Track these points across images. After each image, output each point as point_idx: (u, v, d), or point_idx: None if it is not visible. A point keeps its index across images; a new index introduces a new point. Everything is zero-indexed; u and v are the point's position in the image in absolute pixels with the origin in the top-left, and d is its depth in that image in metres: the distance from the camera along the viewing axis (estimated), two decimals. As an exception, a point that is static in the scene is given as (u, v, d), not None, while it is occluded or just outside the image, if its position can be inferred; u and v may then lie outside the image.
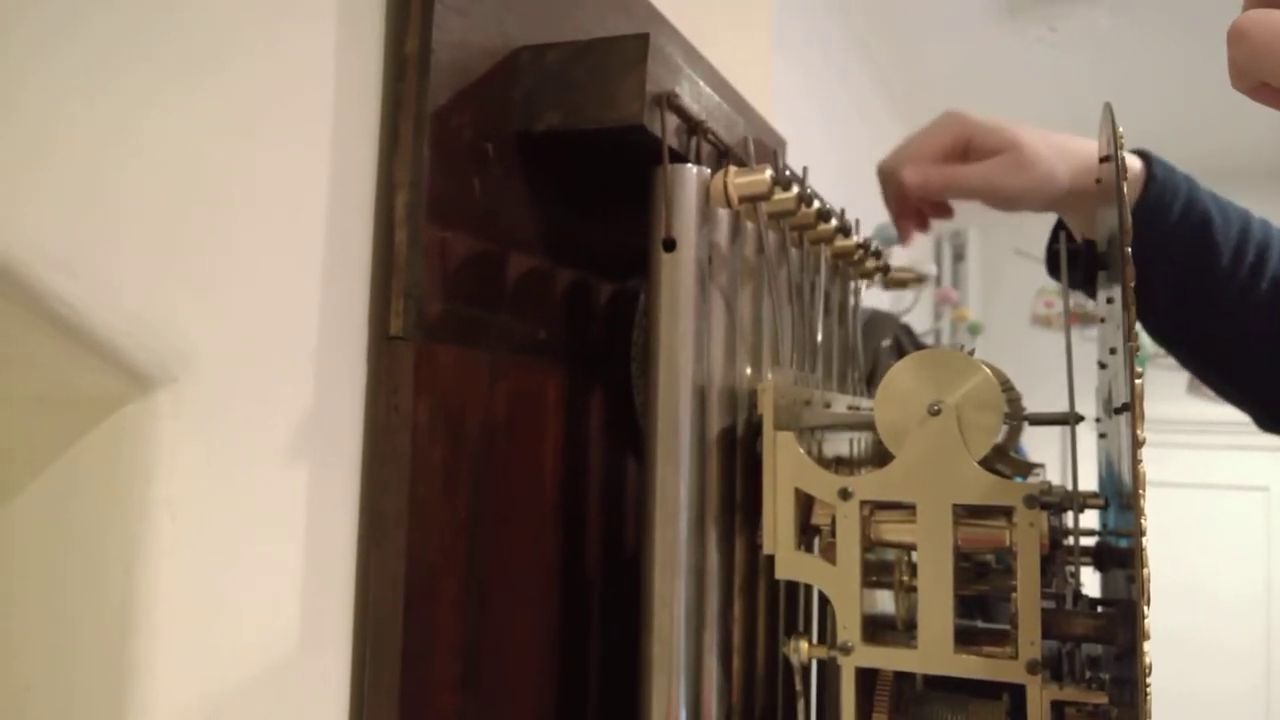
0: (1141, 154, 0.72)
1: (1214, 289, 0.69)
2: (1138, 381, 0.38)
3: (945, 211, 0.79)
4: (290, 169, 0.39)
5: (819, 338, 0.60)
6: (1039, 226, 0.77)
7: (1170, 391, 3.40)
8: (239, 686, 0.37)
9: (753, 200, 0.48)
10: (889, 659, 0.45)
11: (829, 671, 0.47)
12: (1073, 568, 0.51)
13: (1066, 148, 0.71)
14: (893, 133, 2.68)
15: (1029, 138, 0.70)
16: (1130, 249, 0.41)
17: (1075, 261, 0.64)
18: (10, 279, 0.29)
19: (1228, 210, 0.71)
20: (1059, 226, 0.78)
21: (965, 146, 0.73)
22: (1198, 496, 3.36)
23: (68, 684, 0.35)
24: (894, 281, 0.80)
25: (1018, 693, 0.44)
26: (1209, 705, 3.03)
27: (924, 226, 0.79)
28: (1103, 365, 0.56)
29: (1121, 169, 0.43)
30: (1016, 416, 0.54)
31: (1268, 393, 0.73)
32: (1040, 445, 1.96)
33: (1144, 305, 0.52)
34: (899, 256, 2.01)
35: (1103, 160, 0.53)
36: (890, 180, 0.76)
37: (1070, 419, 0.50)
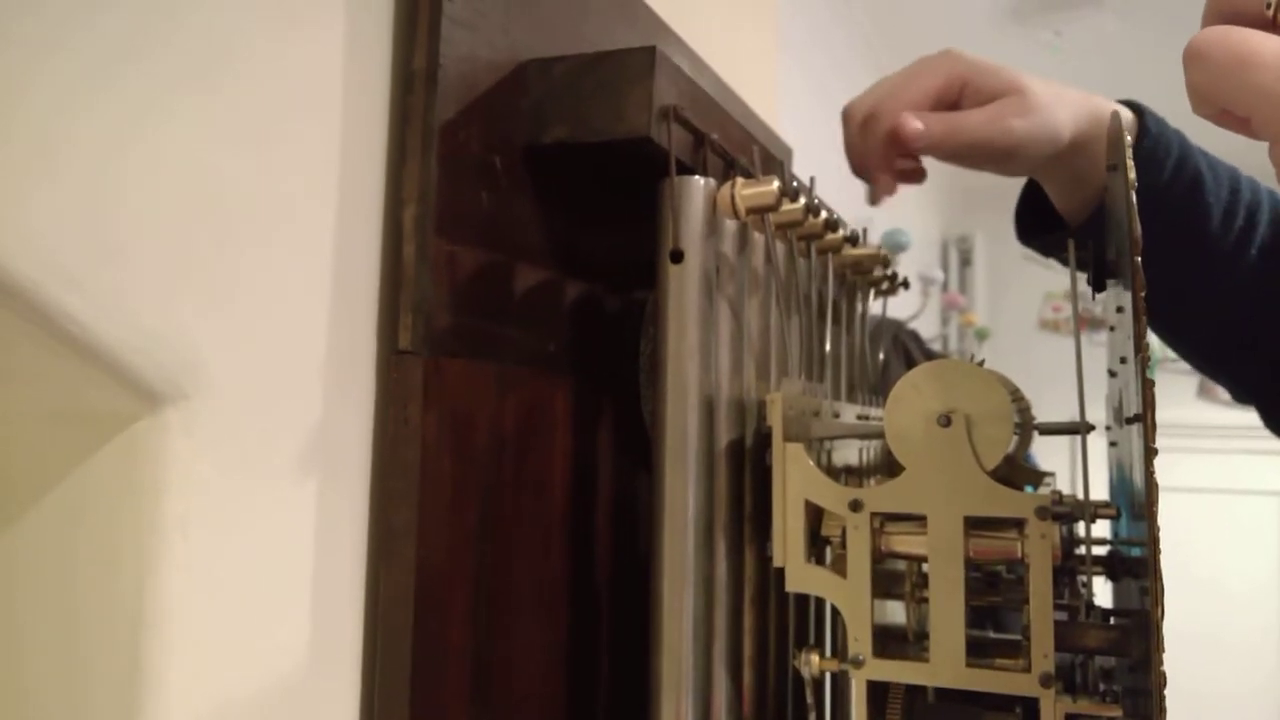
0: (1133, 105, 0.67)
1: (1202, 252, 0.65)
2: (1150, 392, 0.38)
3: (918, 175, 0.69)
4: (298, 183, 0.39)
5: (827, 347, 0.60)
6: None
7: (1181, 396, 3.39)
8: (251, 700, 0.37)
9: (760, 211, 0.48)
10: (900, 672, 0.45)
11: (840, 684, 0.46)
12: (1085, 578, 0.51)
13: (1064, 95, 0.65)
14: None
15: (1032, 81, 0.63)
16: (1139, 258, 0.41)
17: (1065, 247, 0.63)
18: (21, 296, 0.29)
19: (1218, 169, 0.67)
20: (1029, 188, 0.73)
21: (959, 90, 0.64)
22: (1209, 502, 3.34)
23: (82, 701, 0.35)
24: (884, 290, 0.75)
25: (1031, 705, 0.43)
26: (1221, 702, 3.01)
27: (893, 189, 0.69)
28: (1113, 373, 0.56)
29: (1129, 180, 0.42)
30: (1027, 426, 0.53)
31: (1244, 365, 0.70)
32: (1051, 452, 1.96)
33: None
34: (904, 260, 2.00)
35: (1110, 169, 0.52)
36: (867, 125, 0.65)
37: (1081, 429, 0.49)
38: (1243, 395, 0.74)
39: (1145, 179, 0.63)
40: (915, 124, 0.62)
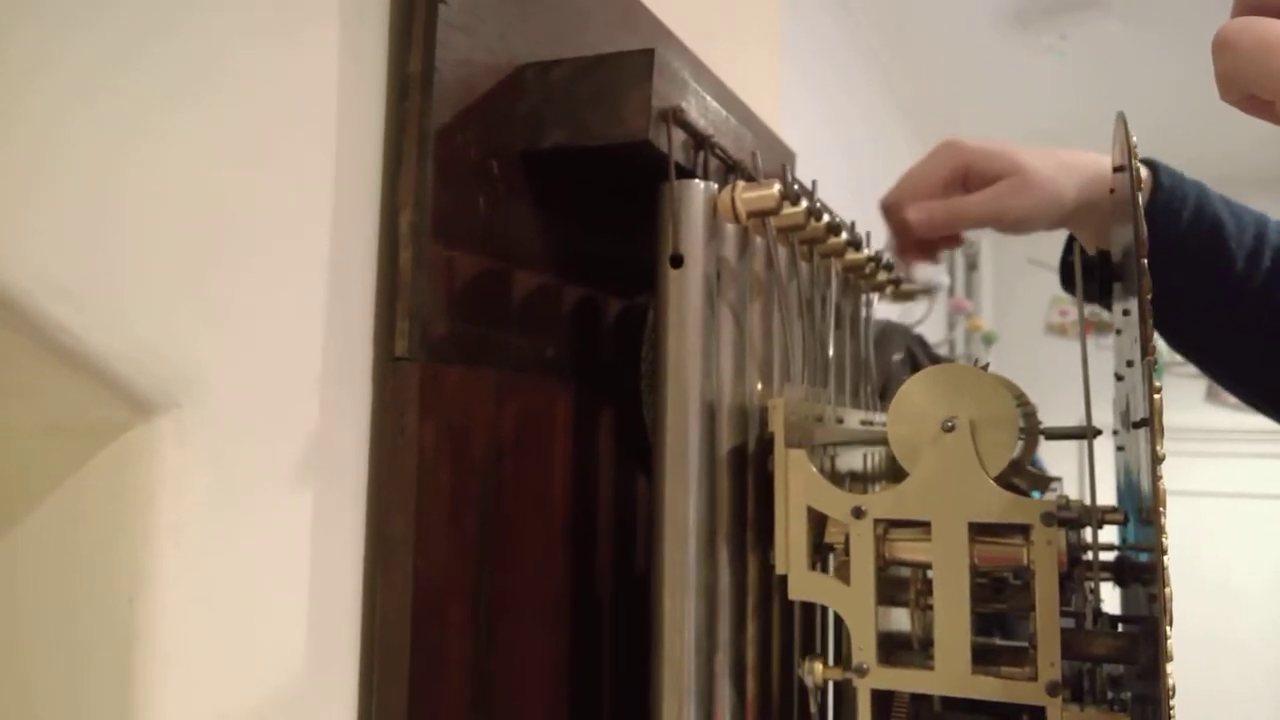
0: (1148, 163, 0.70)
1: (1229, 295, 0.67)
2: (1156, 397, 0.37)
3: (955, 241, 0.78)
4: (293, 190, 0.39)
5: (830, 352, 0.59)
6: (1052, 234, 0.76)
7: (1188, 400, 3.38)
8: (246, 714, 0.37)
9: (761, 215, 0.48)
10: (905, 680, 0.44)
11: (845, 693, 0.46)
12: (1092, 584, 0.51)
13: (1069, 163, 0.70)
14: (902, 143, 2.68)
15: (1030, 159, 0.69)
16: (1145, 260, 0.40)
17: (1090, 274, 0.63)
18: (12, 307, 0.29)
19: (1241, 215, 0.69)
20: (1072, 238, 0.76)
21: (965, 174, 0.71)
22: (1217, 506, 3.33)
23: (75, 710, 0.35)
24: (902, 295, 0.79)
25: (1038, 713, 0.43)
26: (1229, 705, 2.99)
27: (933, 258, 0.78)
28: (1119, 377, 0.55)
29: (1136, 180, 0.42)
30: (1032, 431, 0.53)
31: None
32: (1058, 457, 1.95)
33: (1159, 316, 0.51)
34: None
35: (1116, 170, 0.52)
36: (894, 215, 0.74)
37: (1088, 433, 0.49)
38: None
39: (1162, 229, 0.66)
40: (918, 215, 0.71)
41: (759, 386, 0.52)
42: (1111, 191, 0.60)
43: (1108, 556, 0.53)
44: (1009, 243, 3.57)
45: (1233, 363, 0.73)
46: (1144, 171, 0.69)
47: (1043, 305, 3.74)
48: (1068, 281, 0.76)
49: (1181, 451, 3.26)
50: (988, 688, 0.43)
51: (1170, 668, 0.36)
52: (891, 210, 0.74)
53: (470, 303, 0.45)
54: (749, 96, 0.83)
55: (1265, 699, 3.18)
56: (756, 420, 0.50)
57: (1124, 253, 0.48)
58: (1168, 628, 0.36)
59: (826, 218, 0.56)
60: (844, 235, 0.59)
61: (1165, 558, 0.36)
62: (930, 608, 0.44)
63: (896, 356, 1.07)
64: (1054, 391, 1.17)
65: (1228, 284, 0.67)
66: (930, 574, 0.44)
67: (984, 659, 0.44)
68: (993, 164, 0.70)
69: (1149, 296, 0.40)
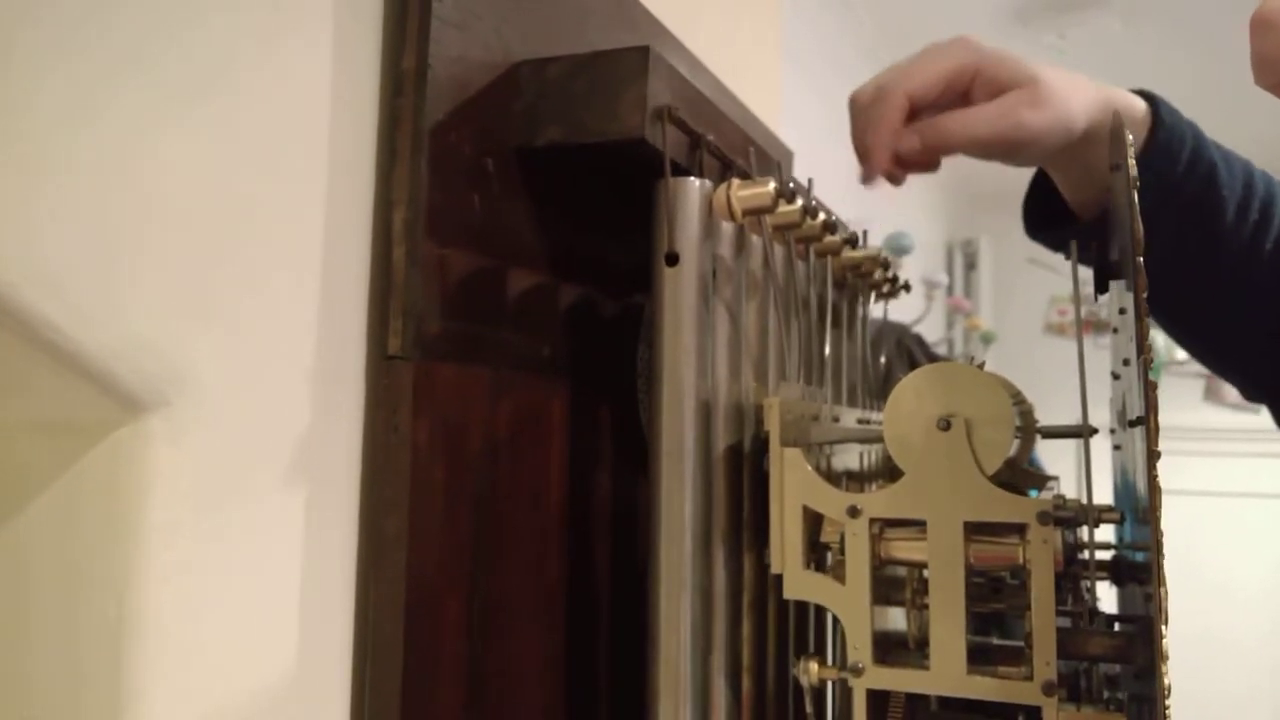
0: (1146, 95, 0.64)
1: (1216, 246, 0.63)
2: (1153, 394, 0.37)
3: (933, 165, 0.65)
4: (287, 187, 0.39)
5: (827, 351, 0.59)
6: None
7: (1186, 400, 3.38)
8: (237, 713, 0.36)
9: (757, 213, 0.48)
10: (901, 680, 0.44)
11: (841, 693, 0.46)
12: (1089, 583, 0.50)
13: (1078, 84, 0.62)
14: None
15: (1045, 71, 0.60)
16: (1141, 258, 0.40)
17: (1085, 246, 0.62)
18: (2, 305, 0.29)
19: (1232, 162, 0.65)
20: (1037, 180, 0.71)
21: (971, 78, 0.61)
22: (1214, 505, 3.33)
23: (67, 709, 0.35)
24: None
25: (1034, 713, 0.43)
26: (1227, 705, 2.99)
27: (900, 179, 0.65)
28: (1116, 376, 0.55)
29: (1131, 179, 0.42)
30: (1028, 430, 0.53)
31: (1261, 364, 0.68)
32: (1055, 455, 1.95)
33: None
34: (908, 263, 1.99)
35: (1114, 169, 0.52)
36: (874, 116, 0.61)
37: (1084, 432, 0.49)
38: (1254, 393, 0.72)
39: (1159, 171, 0.62)
40: (911, 141, 0.60)
41: (755, 385, 0.51)
42: (1114, 168, 0.59)
43: (1104, 556, 0.53)
44: (1008, 243, 3.57)
45: (1208, 323, 0.68)
46: (1141, 105, 0.64)
47: (1041, 304, 3.74)
48: (1033, 230, 0.72)
49: (1179, 451, 3.27)
50: (984, 687, 0.42)
51: (1166, 667, 0.36)
52: (872, 103, 0.61)
53: (464, 301, 0.45)
54: (748, 94, 0.82)
55: (1263, 699, 3.18)
56: (752, 419, 0.50)
57: (1121, 250, 0.48)
58: (1163, 627, 0.36)
59: (822, 216, 0.56)
60: (840, 234, 0.59)
61: (1161, 557, 0.36)
62: (926, 607, 0.44)
63: (883, 357, 1.07)
64: (1053, 391, 1.16)
65: (1216, 236, 0.63)
66: (926, 573, 0.44)
67: (980, 658, 0.43)
68: (1005, 69, 0.60)
69: (1145, 294, 0.40)
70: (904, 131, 0.60)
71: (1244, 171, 0.65)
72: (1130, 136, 0.46)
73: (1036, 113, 0.59)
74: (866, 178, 0.61)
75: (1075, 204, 0.68)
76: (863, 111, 0.62)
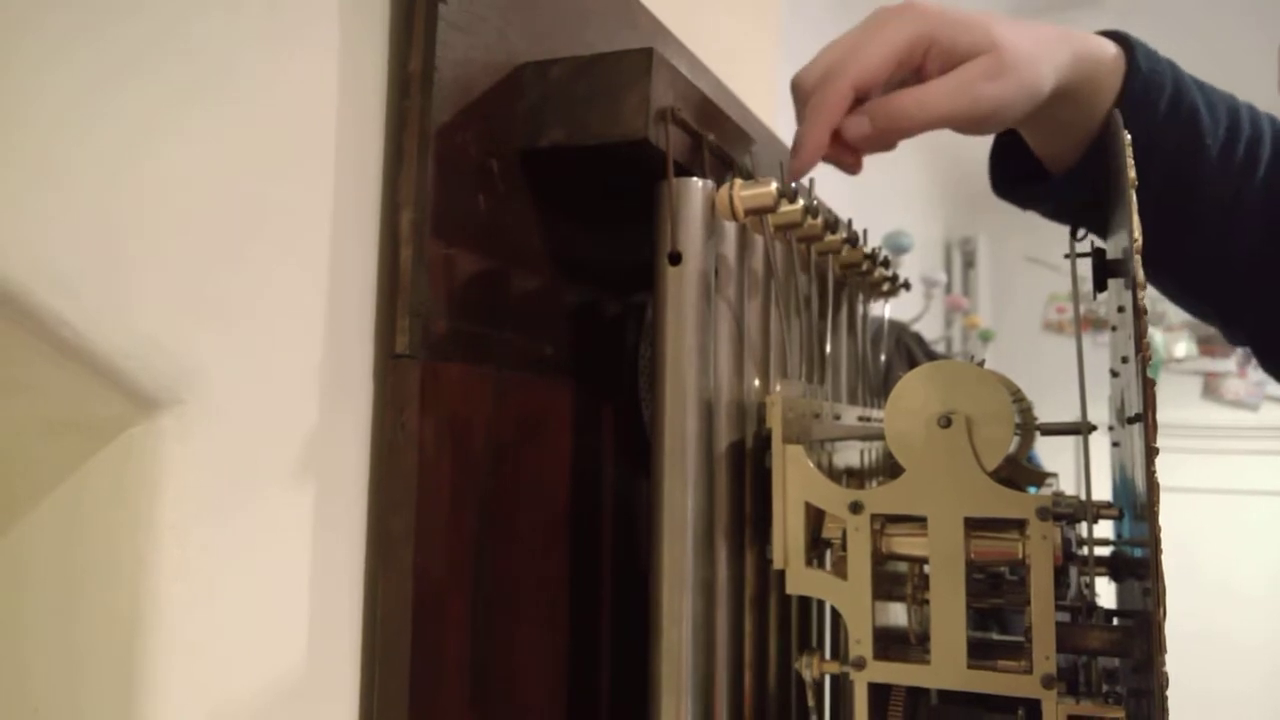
0: (1118, 37, 0.60)
1: (1199, 192, 0.60)
2: (1150, 391, 0.38)
3: (889, 145, 0.60)
4: (295, 189, 0.39)
5: (828, 349, 0.60)
6: (1052, 233, 0.72)
7: (1185, 398, 3.39)
8: (248, 708, 0.37)
9: (759, 213, 0.48)
10: (902, 674, 0.44)
11: (842, 687, 0.46)
12: (1088, 579, 0.51)
13: (1046, 39, 0.57)
14: (901, 141, 2.68)
15: (1008, 34, 0.55)
16: (1140, 256, 0.41)
17: (1045, 198, 0.58)
18: (14, 303, 0.29)
19: (1215, 102, 0.61)
20: (1000, 140, 0.68)
21: (925, 51, 0.55)
22: (1214, 502, 3.33)
23: (76, 707, 0.35)
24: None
25: (1034, 707, 0.43)
26: (1228, 701, 3.00)
27: (856, 167, 0.59)
28: (1115, 374, 0.56)
29: (1131, 180, 0.42)
30: (1028, 427, 0.53)
31: (1247, 309, 0.65)
32: (1055, 453, 1.95)
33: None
34: (906, 262, 1.99)
35: (1113, 171, 0.52)
36: (814, 106, 0.54)
37: (1083, 429, 0.49)
38: (1234, 334, 0.69)
39: (1138, 121, 0.57)
40: (860, 127, 0.54)
41: (757, 383, 0.52)
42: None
43: (1103, 552, 0.54)
44: (1006, 241, 3.58)
45: (1193, 270, 0.65)
46: (1111, 49, 0.60)
47: (1040, 302, 3.74)
48: (1000, 188, 0.68)
49: (1178, 448, 3.27)
50: (984, 681, 0.43)
51: (1164, 659, 0.36)
52: (815, 100, 0.55)
53: (470, 300, 0.45)
54: (748, 95, 0.83)
55: (1264, 697, 3.19)
56: (754, 416, 0.51)
57: (1121, 251, 0.49)
58: (1161, 620, 0.36)
59: (823, 216, 0.56)
60: (841, 233, 0.59)
61: (1160, 552, 0.37)
62: (927, 602, 0.45)
63: (883, 356, 1.07)
64: (1052, 388, 1.17)
65: (1199, 181, 0.60)
66: (927, 568, 0.45)
67: (980, 653, 0.44)
68: (963, 37, 0.54)
69: (1144, 291, 0.41)
70: (851, 118, 0.55)
71: (1228, 112, 0.61)
72: (1128, 136, 0.46)
73: (997, 84, 0.55)
74: (795, 173, 0.54)
75: (1046, 158, 0.64)
76: (805, 100, 0.56)
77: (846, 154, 0.57)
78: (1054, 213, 0.67)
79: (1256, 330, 0.67)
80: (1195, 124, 0.59)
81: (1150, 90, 0.59)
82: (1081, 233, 0.57)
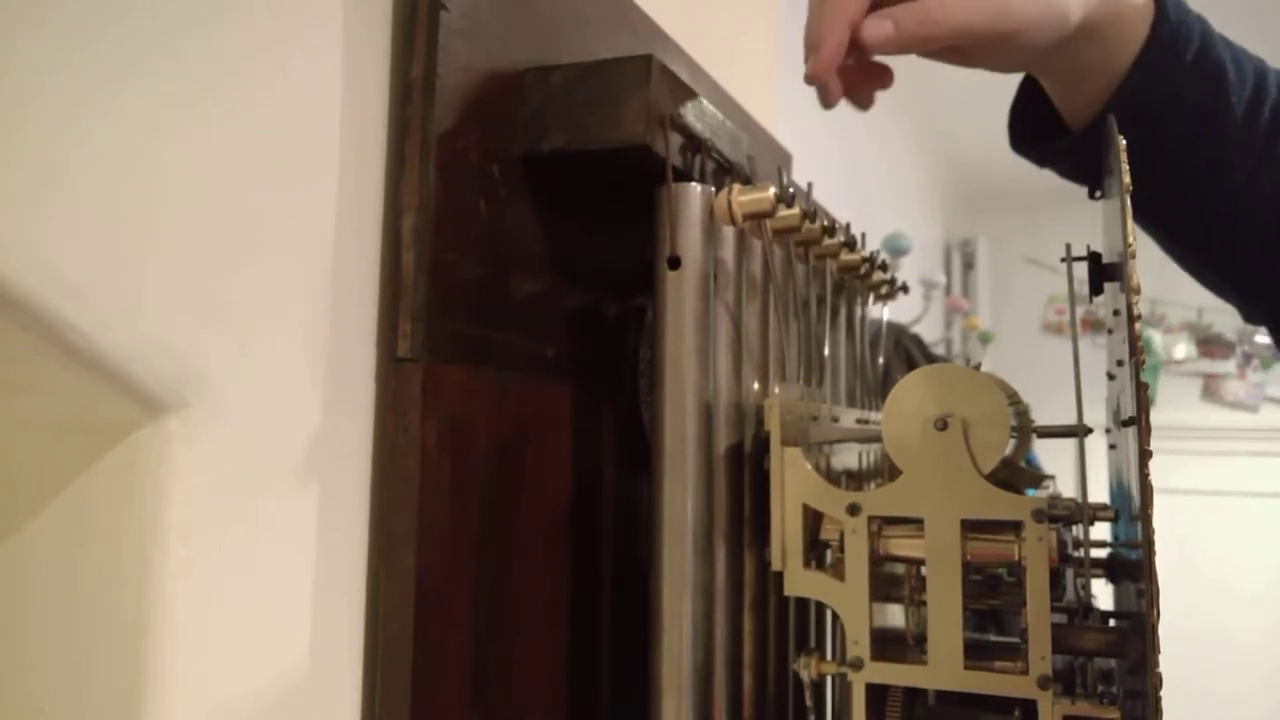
0: None
1: (1222, 155, 0.58)
2: (1144, 394, 0.38)
3: (888, 80, 0.58)
4: (298, 194, 0.40)
5: (826, 352, 0.60)
6: (1051, 234, 0.71)
7: (1185, 399, 3.39)
8: (252, 708, 0.37)
9: (757, 217, 0.49)
10: (899, 675, 0.45)
11: (840, 687, 0.46)
12: (1084, 580, 0.51)
13: None
14: (900, 142, 2.68)
15: None
16: (1134, 260, 0.41)
17: (1065, 155, 0.56)
18: (22, 306, 0.29)
19: (1242, 61, 0.58)
20: (1023, 89, 0.66)
21: None
22: (1213, 504, 3.33)
23: (81, 708, 0.35)
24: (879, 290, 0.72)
25: (1030, 707, 0.43)
26: (1227, 702, 3.00)
27: (868, 101, 0.57)
28: (1111, 376, 0.56)
29: (1125, 185, 0.42)
30: (1024, 429, 0.54)
31: (1265, 284, 0.63)
32: (1054, 455, 1.95)
33: (1143, 178, 0.42)
34: (906, 264, 2.00)
35: (1105, 174, 0.53)
36: (832, 6, 0.52)
37: (1079, 431, 0.49)
38: (1252, 312, 0.68)
39: (1164, 72, 0.57)
40: (883, 28, 0.51)
41: (755, 386, 0.52)
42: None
43: (1100, 553, 0.54)
44: (1006, 242, 3.58)
45: (1207, 235, 0.63)
46: None
47: (1039, 304, 3.74)
48: (1017, 141, 0.66)
49: (1177, 450, 3.27)
50: (980, 682, 0.43)
51: (1158, 660, 0.37)
52: (825, 15, 0.52)
53: (472, 304, 0.45)
54: (746, 99, 0.83)
55: (1264, 697, 3.19)
56: (753, 419, 0.51)
57: (1115, 254, 0.49)
58: (1155, 621, 0.37)
59: (821, 219, 0.56)
60: (839, 236, 0.60)
61: (1154, 553, 0.37)
62: (924, 603, 0.45)
63: (881, 359, 1.08)
64: (1051, 390, 1.17)
65: (1222, 142, 0.58)
66: (924, 570, 0.45)
67: (977, 654, 0.44)
68: None
69: (1138, 296, 0.41)
70: (871, 19, 0.52)
71: (1255, 73, 0.59)
72: (1124, 140, 0.46)
73: (1027, 4, 0.52)
74: (812, 76, 0.52)
75: (1067, 112, 0.62)
76: (822, 2, 0.54)
77: (860, 77, 0.55)
78: (1071, 172, 0.65)
79: (1274, 306, 0.65)
80: (1221, 79, 0.57)
81: (1178, 40, 0.57)
82: (1098, 192, 0.55)
